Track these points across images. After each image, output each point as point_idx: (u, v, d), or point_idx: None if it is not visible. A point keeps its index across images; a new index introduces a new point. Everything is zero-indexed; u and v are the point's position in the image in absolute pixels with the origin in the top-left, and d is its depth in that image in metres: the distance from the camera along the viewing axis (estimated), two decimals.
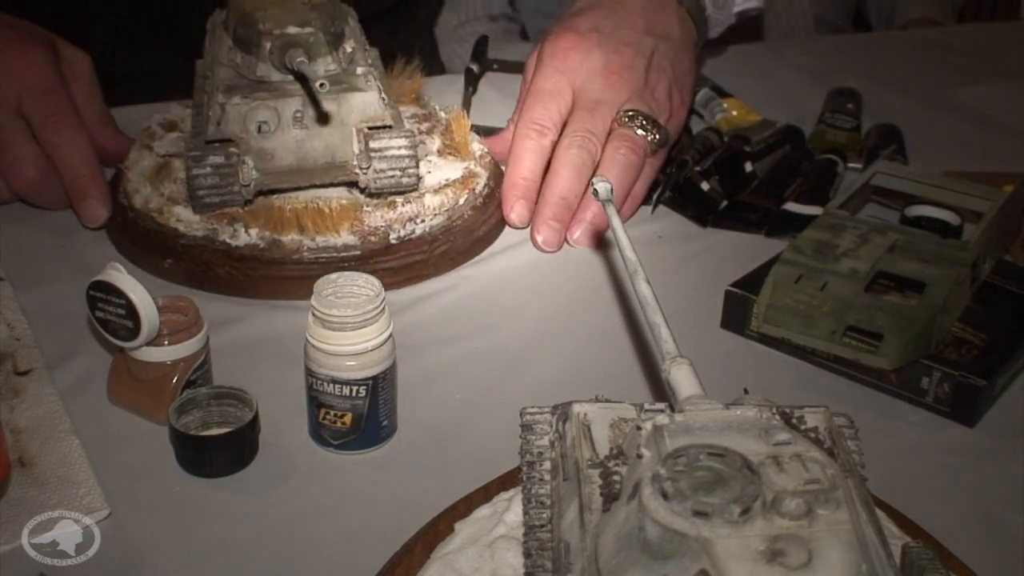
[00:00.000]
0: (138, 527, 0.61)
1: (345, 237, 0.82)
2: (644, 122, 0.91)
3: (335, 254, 0.81)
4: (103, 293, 0.66)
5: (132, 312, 0.65)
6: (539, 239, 0.88)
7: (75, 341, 0.75)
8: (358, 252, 0.82)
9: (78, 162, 0.86)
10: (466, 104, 1.13)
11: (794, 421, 0.48)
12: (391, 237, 0.83)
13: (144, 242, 0.83)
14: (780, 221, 0.92)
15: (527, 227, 0.90)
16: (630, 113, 0.91)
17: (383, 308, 0.65)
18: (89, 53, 0.93)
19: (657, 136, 0.91)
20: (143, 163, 0.88)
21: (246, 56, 0.81)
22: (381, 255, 0.82)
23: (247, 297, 0.80)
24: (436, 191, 0.86)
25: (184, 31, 0.99)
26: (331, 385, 0.64)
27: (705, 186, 0.95)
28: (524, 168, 0.90)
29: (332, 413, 0.65)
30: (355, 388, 0.64)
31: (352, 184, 0.84)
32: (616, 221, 0.58)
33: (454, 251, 0.86)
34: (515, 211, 0.90)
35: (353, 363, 0.64)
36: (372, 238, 0.82)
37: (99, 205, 0.86)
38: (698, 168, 0.97)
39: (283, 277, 0.80)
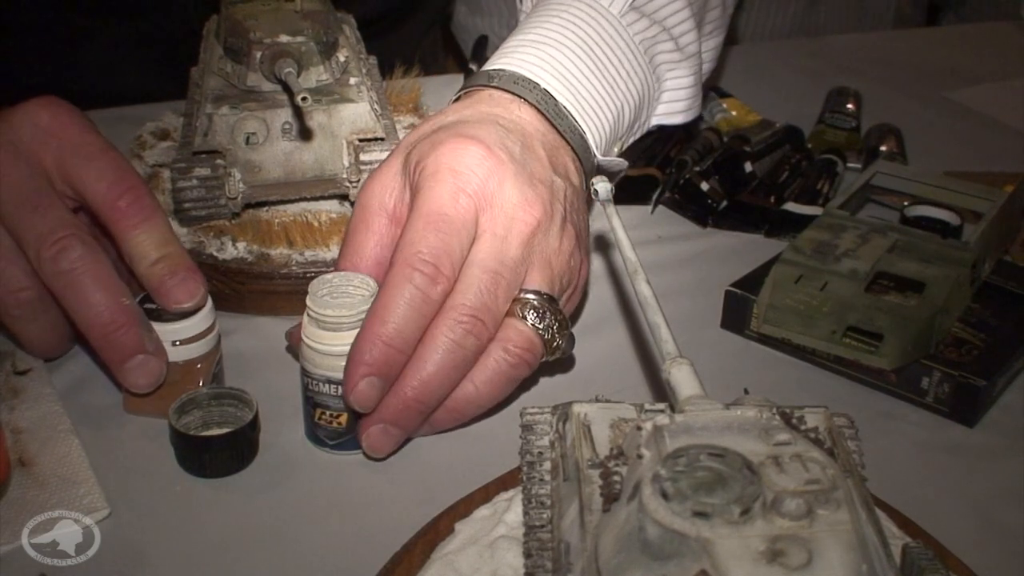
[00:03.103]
0: (138, 527, 0.61)
1: (335, 251, 0.80)
2: (553, 322, 0.66)
3: (324, 268, 0.78)
4: None
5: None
6: (365, 443, 0.64)
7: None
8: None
9: (101, 298, 0.64)
10: None
11: (794, 421, 0.48)
12: None
13: None
14: (780, 221, 0.92)
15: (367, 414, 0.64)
16: (537, 301, 0.66)
17: None
18: (80, 73, 0.90)
19: (560, 346, 0.67)
20: None
21: (236, 66, 0.80)
22: None
23: (234, 312, 0.78)
24: None
25: (176, 51, 0.98)
26: (326, 385, 0.64)
27: (705, 186, 0.95)
28: (391, 326, 0.61)
29: (328, 413, 0.65)
30: None
31: (343, 197, 0.83)
32: (616, 222, 0.58)
33: None
34: (359, 390, 0.61)
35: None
36: None
37: (153, 361, 0.65)
38: (698, 168, 0.97)
39: (271, 291, 0.79)
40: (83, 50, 1.06)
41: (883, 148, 1.04)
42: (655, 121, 0.86)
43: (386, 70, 0.95)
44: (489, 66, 0.77)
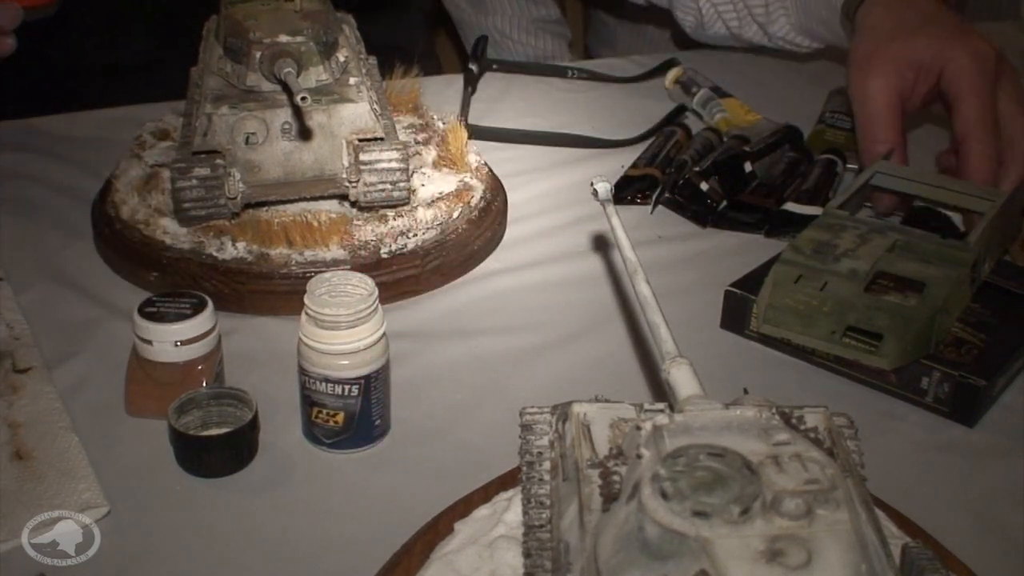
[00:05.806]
0: (138, 527, 0.61)
1: (334, 251, 0.80)
2: None
3: (324, 268, 0.78)
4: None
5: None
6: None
7: (75, 341, 0.75)
8: (348, 267, 0.79)
9: None
10: (465, 105, 1.13)
11: (794, 421, 0.48)
12: (382, 251, 0.81)
13: (130, 254, 0.82)
14: (780, 221, 0.92)
15: None
16: None
17: (376, 307, 0.65)
18: (86, 44, 0.91)
19: None
20: (132, 173, 0.87)
21: (236, 65, 0.80)
22: (371, 270, 0.79)
23: (234, 312, 0.78)
24: (429, 204, 0.84)
25: (180, 21, 0.98)
26: (324, 384, 0.64)
27: (705, 186, 0.95)
28: None
29: (324, 412, 0.65)
30: (347, 387, 0.64)
31: (342, 197, 0.83)
32: (616, 221, 0.58)
33: (447, 266, 0.84)
34: None
35: (346, 362, 0.64)
36: (362, 252, 0.81)
37: None
38: (697, 168, 0.96)
39: (270, 291, 0.79)
40: (87, 23, 1.06)
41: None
42: None
43: (384, 61, 0.95)
44: None
